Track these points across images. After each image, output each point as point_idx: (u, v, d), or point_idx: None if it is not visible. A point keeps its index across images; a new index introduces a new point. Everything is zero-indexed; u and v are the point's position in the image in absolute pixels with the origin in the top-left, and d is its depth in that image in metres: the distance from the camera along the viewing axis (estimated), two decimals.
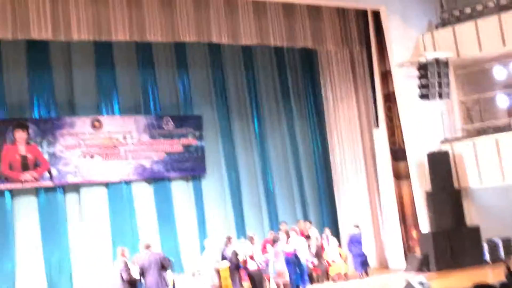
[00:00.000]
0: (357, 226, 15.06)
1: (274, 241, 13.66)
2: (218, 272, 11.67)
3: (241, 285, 12.93)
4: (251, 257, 12.63)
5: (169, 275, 11.36)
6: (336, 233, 16.23)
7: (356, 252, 14.70)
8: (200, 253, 14.64)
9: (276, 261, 12.90)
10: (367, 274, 14.66)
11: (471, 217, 15.49)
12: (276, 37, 14.88)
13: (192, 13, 13.72)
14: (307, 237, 14.86)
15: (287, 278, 12.59)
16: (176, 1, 13.57)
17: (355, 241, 14.78)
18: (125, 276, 10.45)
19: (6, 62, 14.22)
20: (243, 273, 13.20)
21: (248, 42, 14.61)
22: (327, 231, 15.19)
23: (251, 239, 13.63)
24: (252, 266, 12.70)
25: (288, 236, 13.83)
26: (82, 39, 12.85)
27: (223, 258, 12.28)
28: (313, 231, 15.29)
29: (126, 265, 10.60)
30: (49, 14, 12.12)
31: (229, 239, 12.62)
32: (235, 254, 12.20)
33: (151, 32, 13.32)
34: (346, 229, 15.92)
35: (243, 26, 14.36)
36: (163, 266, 10.54)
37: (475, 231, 15.07)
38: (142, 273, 10.53)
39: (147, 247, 10.81)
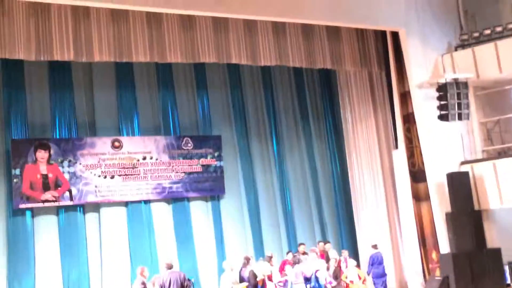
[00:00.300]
0: (376, 246, 14.97)
1: (294, 262, 13.60)
2: None
3: None
4: (269, 278, 12.57)
5: None
6: (355, 254, 16.15)
7: (377, 273, 14.60)
8: (218, 273, 14.65)
9: (296, 282, 12.82)
10: None
11: (492, 239, 15.30)
12: (295, 58, 14.92)
13: (212, 34, 13.82)
14: (326, 258, 14.80)
15: None
16: (196, 23, 13.70)
17: (376, 262, 14.69)
18: None
19: (29, 83, 14.46)
20: None
21: (267, 63, 14.67)
22: (345, 252, 15.12)
23: (269, 259, 13.60)
24: (270, 287, 12.63)
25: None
26: (103, 60, 13.02)
27: (241, 278, 12.24)
28: (331, 252, 15.22)
29: (144, 284, 10.61)
30: (71, 35, 12.29)
31: (247, 259, 12.59)
32: (254, 274, 12.16)
33: (171, 53, 13.43)
34: (365, 250, 15.81)
35: (262, 47, 14.43)
36: (183, 286, 10.52)
37: (496, 253, 14.88)
38: None
39: (169, 267, 10.82)
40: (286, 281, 13.01)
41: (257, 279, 12.40)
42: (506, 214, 15.50)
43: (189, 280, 10.89)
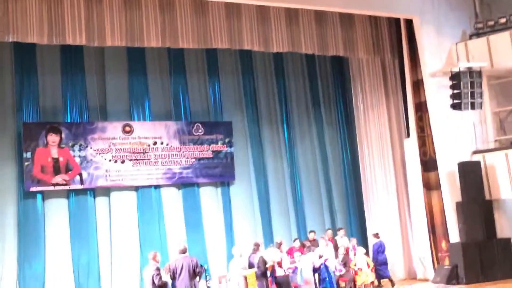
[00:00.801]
0: (377, 235, 15.03)
1: (303, 247, 13.57)
2: (245, 278, 11.64)
3: None
4: (279, 264, 12.56)
5: (201, 284, 11.32)
6: (364, 242, 16.15)
7: (382, 260, 14.63)
8: (227, 259, 14.70)
9: (304, 269, 12.83)
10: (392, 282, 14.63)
11: (502, 229, 15.26)
12: (307, 44, 14.85)
13: (224, 20, 13.79)
14: (335, 246, 14.80)
15: (313, 287, 12.52)
16: (208, 8, 13.65)
17: (381, 250, 14.72)
18: (156, 281, 10.47)
19: (41, 67, 14.50)
20: (270, 280, 13.20)
21: (280, 49, 14.61)
22: (354, 240, 15.12)
23: (279, 246, 13.59)
24: (279, 273, 12.62)
25: (316, 244, 13.75)
26: (115, 45, 13.01)
27: (250, 264, 12.26)
28: (342, 240, 15.22)
29: (158, 269, 10.63)
30: (83, 20, 12.32)
31: (257, 245, 12.59)
32: (263, 260, 12.17)
33: (184, 39, 13.41)
34: (373, 239, 15.78)
35: (275, 33, 14.37)
36: (195, 272, 10.50)
37: (507, 243, 14.86)
38: (174, 277, 10.53)
39: (183, 251, 10.81)
40: (296, 267, 13.00)
41: (267, 265, 12.40)
42: None
43: (201, 266, 10.84)
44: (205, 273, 11.45)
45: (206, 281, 11.72)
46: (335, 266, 13.85)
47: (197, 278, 10.69)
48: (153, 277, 10.47)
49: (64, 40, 12.28)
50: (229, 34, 13.85)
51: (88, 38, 12.45)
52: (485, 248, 14.64)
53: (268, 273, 12.89)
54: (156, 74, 15.68)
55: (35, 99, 14.30)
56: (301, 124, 17.35)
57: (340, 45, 15.38)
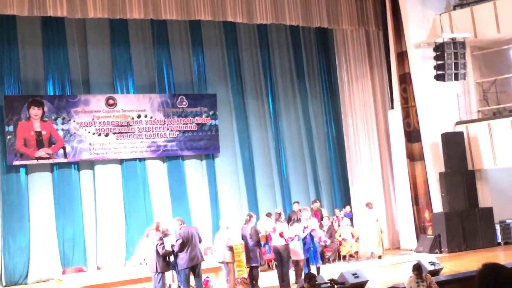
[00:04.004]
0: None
1: (293, 221, 13.57)
2: (231, 249, 11.68)
3: (261, 262, 12.87)
4: (281, 234, 12.43)
5: None
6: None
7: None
8: (212, 231, 14.77)
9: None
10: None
11: (484, 198, 15.46)
12: (291, 16, 14.77)
13: None
14: (320, 217, 14.88)
15: (302, 257, 12.57)
16: None
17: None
18: (160, 251, 10.57)
19: (22, 39, 14.33)
20: (265, 250, 13.36)
21: (263, 21, 14.53)
22: (337, 211, 15.21)
23: (278, 216, 13.23)
24: (280, 242, 12.46)
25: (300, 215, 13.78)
26: (98, 17, 12.86)
27: (243, 235, 12.27)
28: (325, 211, 15.31)
29: (161, 239, 10.72)
30: None
31: (250, 216, 12.57)
32: (256, 231, 12.20)
33: (166, 10, 13.29)
34: (358, 210, 15.91)
35: (258, 4, 14.27)
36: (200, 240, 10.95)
37: (488, 212, 15.06)
38: (183, 246, 10.72)
39: (183, 222, 11.08)
40: (297, 235, 12.79)
41: (259, 235, 12.45)
42: (499, 174, 15.63)
43: None
44: None
45: None
46: (320, 237, 13.93)
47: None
48: (156, 246, 10.56)
49: (45, 12, 12.12)
50: (212, 6, 13.73)
51: (70, 10, 12.29)
52: (467, 217, 14.83)
53: (262, 243, 12.98)
54: (139, 47, 15.55)
55: (16, 72, 14.15)
56: (286, 96, 17.32)
57: (325, 17, 15.32)
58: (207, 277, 11.95)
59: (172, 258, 10.98)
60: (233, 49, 16.70)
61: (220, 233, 12.28)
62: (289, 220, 13.99)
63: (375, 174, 16.47)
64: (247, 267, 11.85)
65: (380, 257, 14.46)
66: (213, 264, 12.34)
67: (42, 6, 11.99)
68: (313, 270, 12.11)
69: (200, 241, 11.03)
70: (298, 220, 12.77)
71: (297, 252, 12.12)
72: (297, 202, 15.24)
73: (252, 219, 12.38)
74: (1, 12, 11.82)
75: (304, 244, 12.67)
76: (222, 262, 11.76)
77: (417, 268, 9.27)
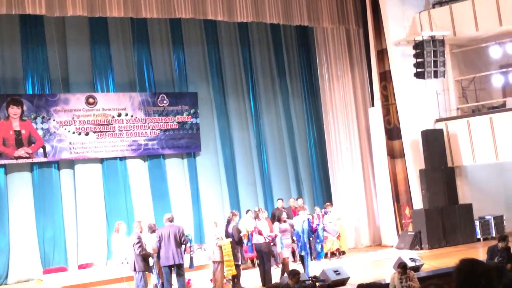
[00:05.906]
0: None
1: (281, 220, 13.57)
2: (220, 248, 11.63)
3: (243, 260, 12.83)
4: (260, 232, 12.45)
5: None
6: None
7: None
8: (194, 229, 14.76)
9: (283, 236, 12.69)
10: None
11: (464, 195, 15.62)
12: (272, 14, 14.79)
13: None
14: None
15: (286, 255, 12.58)
16: None
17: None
18: (136, 250, 10.55)
19: (0, 37, 14.15)
20: (246, 248, 13.37)
21: (244, 19, 14.52)
22: (318, 209, 15.21)
23: (256, 215, 13.29)
24: (259, 240, 12.45)
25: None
26: (77, 15, 12.76)
27: (227, 234, 12.26)
28: (307, 209, 15.32)
29: (139, 238, 10.69)
30: None
31: (232, 214, 12.54)
32: (237, 229, 12.18)
33: (147, 8, 13.23)
34: (340, 207, 15.97)
35: (239, 3, 14.27)
36: (180, 240, 10.74)
37: (468, 208, 15.22)
38: (160, 245, 10.71)
39: (171, 220, 10.99)
40: (275, 236, 12.80)
41: (241, 234, 12.43)
42: (478, 171, 15.80)
43: (186, 236, 11.10)
44: (190, 242, 11.66)
45: (191, 251, 11.92)
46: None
47: (183, 246, 10.98)
48: (134, 246, 10.55)
49: (24, 10, 12.02)
50: (192, 4, 13.70)
51: (48, 8, 12.19)
52: (447, 214, 14.97)
53: (245, 241, 12.98)
54: (119, 45, 15.46)
55: None
56: (267, 94, 17.33)
57: (305, 15, 15.37)
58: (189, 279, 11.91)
59: (151, 260, 10.95)
60: (214, 47, 16.67)
61: (210, 231, 12.34)
62: (272, 217, 14.07)
63: (356, 171, 16.54)
64: None
65: (344, 252, 14.87)
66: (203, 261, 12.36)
67: (20, 4, 11.88)
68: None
69: (181, 242, 10.86)
70: (279, 220, 12.82)
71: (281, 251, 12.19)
72: (281, 199, 15.30)
73: (235, 218, 12.37)
74: None
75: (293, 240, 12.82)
76: (214, 262, 11.67)
77: (403, 267, 9.76)
